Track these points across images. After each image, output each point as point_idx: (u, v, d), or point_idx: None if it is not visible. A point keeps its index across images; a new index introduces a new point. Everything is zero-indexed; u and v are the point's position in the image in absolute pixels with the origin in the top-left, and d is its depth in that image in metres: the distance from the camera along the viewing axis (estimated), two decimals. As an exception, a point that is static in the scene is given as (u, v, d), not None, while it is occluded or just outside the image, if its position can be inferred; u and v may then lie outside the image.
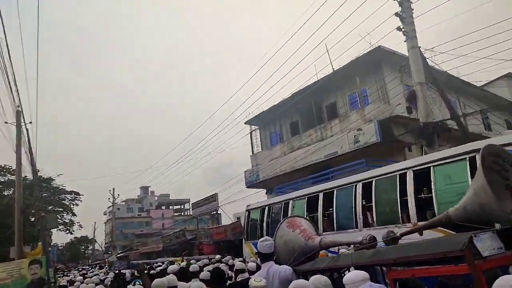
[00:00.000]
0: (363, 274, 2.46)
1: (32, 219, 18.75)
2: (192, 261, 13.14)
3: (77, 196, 47.09)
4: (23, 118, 15.70)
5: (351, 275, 2.50)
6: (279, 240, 4.11)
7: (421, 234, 3.42)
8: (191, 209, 69.44)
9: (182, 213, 75.94)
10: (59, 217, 47.70)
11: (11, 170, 29.55)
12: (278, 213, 9.03)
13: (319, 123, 17.13)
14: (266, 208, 9.43)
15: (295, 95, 17.46)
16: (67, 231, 47.83)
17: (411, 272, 2.74)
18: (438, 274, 2.76)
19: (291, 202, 8.43)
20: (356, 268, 2.85)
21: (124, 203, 75.61)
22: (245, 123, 20.98)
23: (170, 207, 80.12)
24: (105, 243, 74.39)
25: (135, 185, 77.81)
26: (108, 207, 73.44)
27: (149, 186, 75.80)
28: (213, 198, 24.35)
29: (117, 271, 11.73)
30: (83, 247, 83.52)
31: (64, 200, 45.66)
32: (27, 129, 15.88)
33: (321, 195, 7.50)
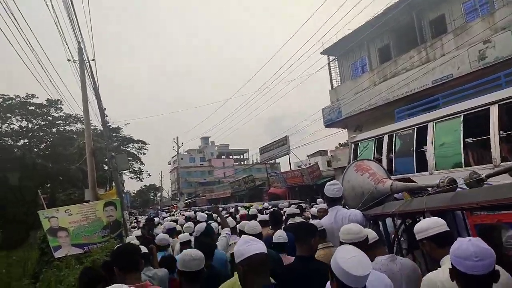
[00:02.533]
0: (437, 220, 2.24)
1: (105, 161, 18.45)
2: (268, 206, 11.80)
3: (144, 145, 48.87)
4: (86, 55, 14.44)
5: (423, 223, 2.29)
6: (347, 185, 3.87)
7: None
8: (250, 158, 70.87)
9: (242, 162, 76.90)
10: (130, 166, 50.14)
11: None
12: (408, 143, 6.68)
13: (421, 42, 13.75)
14: (386, 137, 7.08)
15: (387, 11, 14.07)
16: (137, 179, 50.55)
17: (497, 217, 2.53)
18: None
19: (431, 125, 5.99)
20: (432, 214, 2.59)
21: (186, 153, 78.32)
22: (321, 53, 18.06)
23: (230, 156, 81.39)
24: (172, 191, 78.39)
25: (196, 136, 78.94)
26: (172, 157, 76.63)
27: (209, 137, 77.19)
28: (284, 141, 22.39)
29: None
30: (151, 194, 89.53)
31: (132, 149, 47.57)
32: (90, 65, 14.63)
33: (494, 108, 4.93)
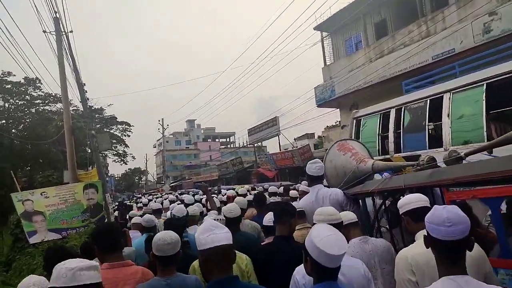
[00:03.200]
0: (419, 196, 2.25)
1: (86, 143, 17.40)
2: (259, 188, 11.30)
3: (128, 127, 47.44)
4: (62, 26, 13.27)
5: (405, 198, 2.33)
6: (329, 165, 3.82)
7: (490, 153, 2.78)
8: (236, 142, 70.28)
9: (229, 146, 76.51)
10: (113, 149, 48.96)
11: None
12: (419, 116, 6.01)
13: (421, 15, 13.05)
14: (393, 111, 6.38)
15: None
16: (122, 162, 49.46)
17: (472, 193, 2.57)
18: (504, 194, 2.48)
19: (448, 96, 5.32)
20: (411, 192, 2.62)
21: (172, 136, 77.41)
22: (315, 28, 17.22)
23: (216, 140, 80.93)
24: (157, 174, 77.64)
25: (181, 118, 77.98)
26: (158, 140, 75.44)
27: (195, 119, 76.33)
28: (273, 122, 21.70)
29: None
30: (136, 178, 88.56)
31: (116, 131, 46.31)
32: (67, 37, 13.47)
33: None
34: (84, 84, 12.44)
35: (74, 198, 11.46)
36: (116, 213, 12.78)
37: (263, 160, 20.64)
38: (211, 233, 1.76)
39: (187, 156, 74.03)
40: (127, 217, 8.61)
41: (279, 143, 22.05)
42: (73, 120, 15.86)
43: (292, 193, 6.64)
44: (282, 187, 9.30)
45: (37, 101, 32.87)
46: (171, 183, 45.77)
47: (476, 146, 3.51)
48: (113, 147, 47.55)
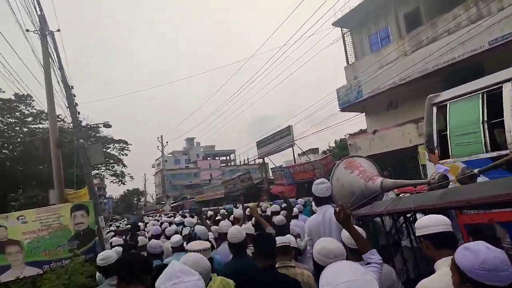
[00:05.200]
0: (440, 218, 2.04)
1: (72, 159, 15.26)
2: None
3: (126, 146, 45.57)
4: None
5: (425, 219, 2.11)
6: (336, 183, 3.70)
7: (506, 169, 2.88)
8: (237, 159, 68.62)
9: (229, 164, 75.55)
10: (110, 168, 46.99)
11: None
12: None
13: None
14: (509, 86, 4.38)
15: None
16: (120, 182, 47.61)
17: (488, 216, 2.25)
18: None
19: None
20: (424, 214, 2.57)
21: (170, 155, 76.52)
22: (333, 24, 15.45)
23: (216, 158, 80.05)
24: (156, 195, 76.16)
25: (180, 137, 77.01)
26: (156, 159, 73.81)
27: (194, 138, 75.83)
28: (286, 131, 19.68)
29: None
30: (135, 199, 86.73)
31: (113, 150, 44.68)
32: (53, 37, 11.57)
33: None
34: (72, 87, 10.43)
35: (59, 222, 9.33)
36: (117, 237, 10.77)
37: (277, 174, 18.52)
38: (177, 281, 1.42)
39: (187, 175, 73.46)
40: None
41: (293, 155, 19.99)
42: (61, 132, 13.86)
43: (294, 211, 6.35)
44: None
45: (28, 119, 30.87)
46: (172, 204, 43.54)
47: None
48: (110, 167, 45.74)
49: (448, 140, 5.24)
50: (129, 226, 15.61)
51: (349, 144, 14.62)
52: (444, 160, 5.23)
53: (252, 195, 22.88)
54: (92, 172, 44.87)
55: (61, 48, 12.42)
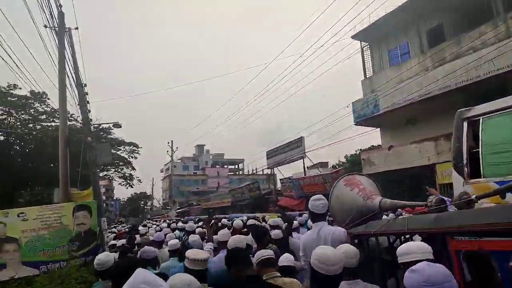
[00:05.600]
0: (420, 246, 2.07)
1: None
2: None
3: (136, 149, 45.63)
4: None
5: (405, 246, 2.12)
6: (335, 200, 3.62)
7: (502, 197, 2.91)
8: (245, 169, 68.39)
9: (237, 173, 75.49)
10: (119, 170, 47.13)
11: (71, 115, 26.56)
12: None
13: (490, 17, 10.80)
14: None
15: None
16: (127, 185, 47.66)
17: (478, 244, 2.17)
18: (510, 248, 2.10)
19: None
20: (413, 235, 2.76)
21: (180, 160, 76.66)
22: (352, 37, 15.16)
23: (225, 166, 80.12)
24: (163, 200, 76.26)
25: (190, 143, 77.38)
26: (165, 164, 73.90)
27: (204, 145, 76.05)
28: (298, 143, 19.28)
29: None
30: (142, 202, 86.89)
31: (123, 152, 44.83)
32: (70, 33, 11.53)
33: None
34: (85, 85, 10.28)
35: (60, 222, 9.04)
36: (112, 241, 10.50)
37: (286, 185, 18.06)
38: None
39: (195, 181, 73.66)
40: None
41: (303, 167, 19.51)
42: (71, 131, 13.71)
43: (294, 223, 6.51)
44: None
45: (42, 116, 31.07)
46: (178, 209, 43.25)
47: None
48: (119, 170, 45.82)
49: (480, 158, 4.82)
50: (128, 228, 15.40)
51: (363, 158, 14.15)
52: (475, 180, 4.82)
53: (259, 205, 22.45)
54: (101, 173, 45.00)
55: (77, 46, 12.43)
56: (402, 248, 2.12)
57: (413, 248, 2.06)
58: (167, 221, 19.52)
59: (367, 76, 14.95)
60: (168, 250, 4.65)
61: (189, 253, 2.74)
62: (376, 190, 3.56)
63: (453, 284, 1.54)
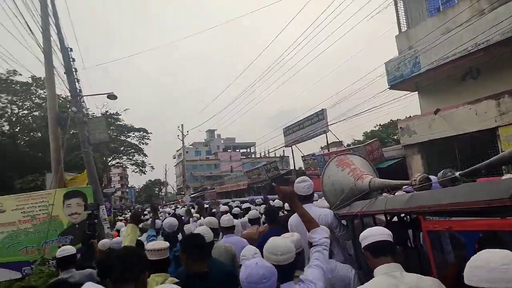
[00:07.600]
0: (378, 229, 2.06)
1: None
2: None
3: (146, 134, 44.47)
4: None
5: (367, 230, 2.08)
6: (327, 180, 3.64)
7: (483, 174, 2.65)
8: (257, 152, 67.14)
9: (249, 156, 74.96)
10: (131, 158, 46.20)
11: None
12: None
13: None
14: None
15: None
16: (140, 172, 47.08)
17: (448, 224, 2.15)
18: (478, 228, 2.16)
19: None
20: (390, 215, 2.84)
21: (191, 146, 76.44)
22: (383, -13, 13.01)
23: (237, 150, 79.92)
24: (177, 185, 76.55)
25: (201, 128, 76.42)
26: (177, 150, 73.23)
27: (215, 129, 75.60)
28: (320, 116, 17.38)
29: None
30: (156, 189, 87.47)
31: (133, 139, 43.89)
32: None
33: None
34: (71, 50, 8.53)
35: (47, 212, 7.51)
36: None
37: (310, 163, 16.30)
38: None
39: (208, 166, 73.74)
40: None
41: (327, 142, 17.64)
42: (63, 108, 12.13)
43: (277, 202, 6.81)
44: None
45: (44, 104, 29.75)
46: (191, 194, 42.32)
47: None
48: (131, 157, 44.90)
49: None
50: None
51: (401, 127, 12.22)
52: None
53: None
54: (113, 161, 43.73)
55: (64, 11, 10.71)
56: (365, 233, 2.05)
57: (374, 231, 2.01)
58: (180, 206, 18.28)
59: (402, 30, 12.82)
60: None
61: (148, 245, 2.79)
62: (369, 170, 3.51)
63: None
